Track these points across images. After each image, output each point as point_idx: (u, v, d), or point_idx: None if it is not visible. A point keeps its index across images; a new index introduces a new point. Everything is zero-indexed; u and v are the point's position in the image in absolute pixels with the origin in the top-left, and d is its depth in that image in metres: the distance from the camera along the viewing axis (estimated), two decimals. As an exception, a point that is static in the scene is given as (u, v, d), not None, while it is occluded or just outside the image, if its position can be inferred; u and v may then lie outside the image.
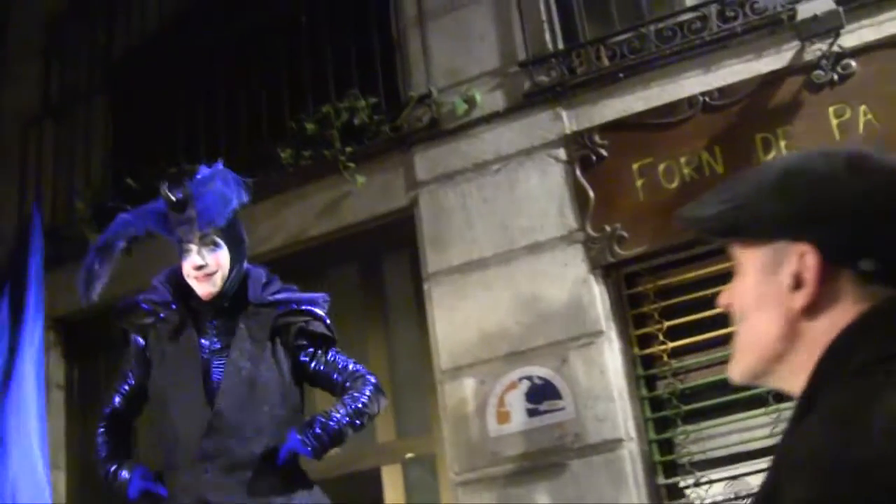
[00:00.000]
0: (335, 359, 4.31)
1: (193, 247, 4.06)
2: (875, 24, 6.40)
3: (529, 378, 6.50)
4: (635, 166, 6.62)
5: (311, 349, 4.28)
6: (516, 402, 6.49)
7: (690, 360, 6.40)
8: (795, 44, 6.47)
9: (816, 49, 6.39)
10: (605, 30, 7.09)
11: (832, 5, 6.30)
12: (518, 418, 6.47)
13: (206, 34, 8.27)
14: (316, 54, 7.74)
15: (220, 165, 4.28)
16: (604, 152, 6.71)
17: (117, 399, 4.34)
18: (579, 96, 6.92)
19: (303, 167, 7.30)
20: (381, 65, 7.54)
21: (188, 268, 4.09)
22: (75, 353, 8.45)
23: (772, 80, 6.50)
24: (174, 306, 4.19)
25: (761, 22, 6.61)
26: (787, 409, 6.06)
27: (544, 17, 7.21)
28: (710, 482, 6.21)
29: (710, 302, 6.30)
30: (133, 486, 4.12)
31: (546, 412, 6.40)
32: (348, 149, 7.23)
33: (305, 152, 7.31)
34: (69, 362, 8.42)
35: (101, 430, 4.37)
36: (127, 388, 4.32)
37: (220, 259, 4.08)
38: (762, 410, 6.15)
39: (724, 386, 6.28)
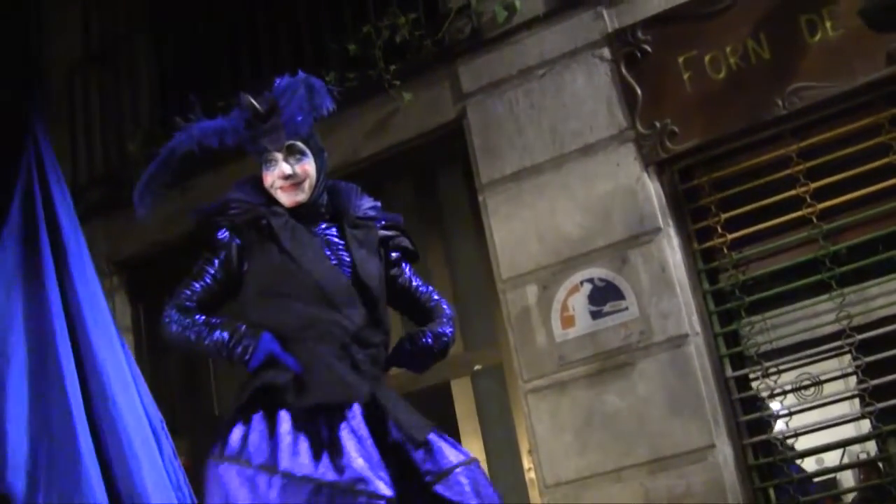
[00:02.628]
0: (413, 277, 4.29)
1: (279, 155, 3.94)
2: None
3: (591, 280, 6.49)
4: (681, 59, 6.54)
5: (401, 264, 4.25)
6: (579, 306, 6.50)
7: (750, 251, 6.35)
8: (834, -78, 6.34)
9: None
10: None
11: None
12: (583, 321, 6.47)
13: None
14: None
15: (302, 74, 4.18)
16: (648, 48, 6.64)
17: (204, 284, 3.96)
18: (620, -7, 6.85)
19: (349, 89, 7.26)
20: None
21: (274, 178, 3.96)
22: (141, 295, 8.53)
23: (813, -39, 6.38)
24: (276, 208, 3.98)
25: None
26: (851, 293, 6.04)
27: (579, -81, 7.10)
28: (779, 372, 6.20)
29: (765, 190, 6.32)
30: (264, 347, 3.75)
31: (610, 313, 6.41)
32: (392, 67, 7.20)
33: (350, 74, 7.28)
34: (135, 305, 8.52)
35: (190, 306, 3.90)
36: (213, 277, 3.97)
37: (307, 168, 3.99)
38: (826, 296, 6.12)
39: (786, 274, 6.28)
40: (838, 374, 6.25)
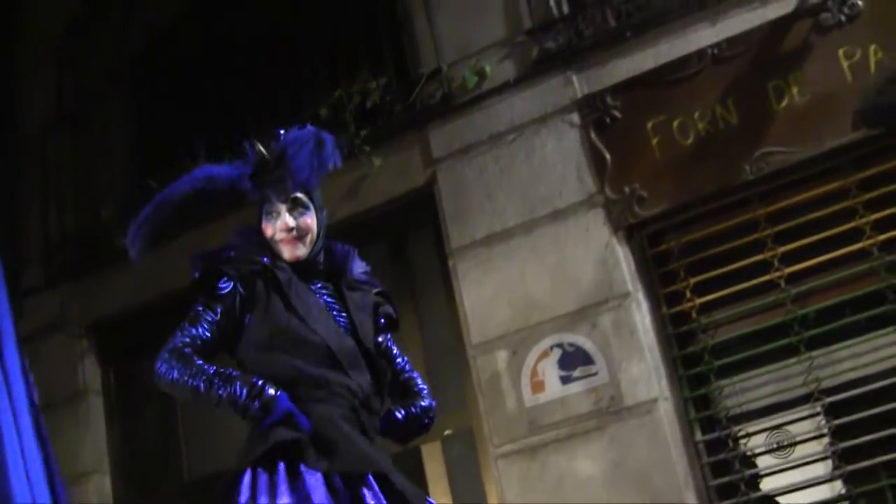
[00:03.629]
0: (393, 346, 4.24)
1: (283, 207, 3.84)
2: (878, -38, 6.35)
3: (560, 345, 6.51)
4: (649, 125, 6.61)
5: (386, 332, 4.20)
6: (550, 370, 6.51)
7: (719, 315, 6.38)
8: (800, -12, 6.43)
9: (821, -8, 6.36)
10: (609, -11, 7.05)
11: (832, -53, 6.27)
12: (553, 386, 6.48)
13: (216, 25, 8.32)
14: (326, 38, 7.76)
15: (312, 127, 4.10)
16: (617, 113, 6.70)
17: (204, 331, 3.79)
18: (588, 59, 6.91)
19: (319, 153, 7.29)
20: (389, 44, 7.54)
21: (276, 229, 3.86)
22: (111, 358, 8.48)
23: (779, 26, 6.46)
24: (279, 262, 3.88)
25: (765, -32, 6.57)
26: (819, 356, 6.06)
27: (547, -19, 7.19)
28: (748, 435, 6.20)
29: (734, 254, 6.36)
30: (282, 404, 3.62)
31: (580, 378, 6.42)
32: (363, 132, 7.24)
33: (320, 138, 7.30)
34: (105, 368, 8.46)
35: (188, 353, 3.74)
36: (212, 325, 3.80)
37: (309, 222, 3.90)
38: (795, 359, 6.14)
39: (755, 337, 6.29)
40: (809, 436, 6.26)
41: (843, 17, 6.31)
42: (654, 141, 6.58)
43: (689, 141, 6.51)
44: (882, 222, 6.10)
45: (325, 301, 3.90)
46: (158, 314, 8.05)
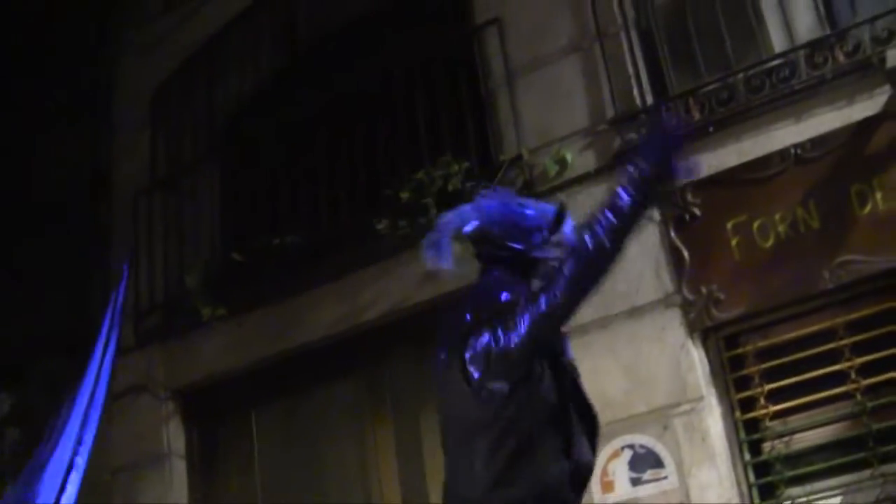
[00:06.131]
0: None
1: None
2: (970, 63, 6.23)
3: (632, 446, 6.48)
4: (729, 225, 6.54)
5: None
6: (620, 471, 6.48)
7: (794, 423, 6.30)
8: (887, 88, 6.33)
9: (910, 93, 6.25)
10: (694, 81, 6.99)
11: (923, 49, 6.17)
12: (622, 487, 6.46)
13: (304, 103, 8.40)
14: (409, 120, 7.79)
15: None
16: (697, 211, 6.64)
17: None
18: (671, 152, 6.84)
19: (401, 236, 7.33)
20: (472, 127, 7.56)
21: None
22: (195, 422, 8.62)
23: (865, 128, 6.36)
24: None
25: (851, 66, 6.48)
26: (893, 473, 5.96)
27: (631, 72, 7.16)
28: (818, 546, 6.13)
29: (811, 361, 6.26)
30: None
31: (650, 481, 6.39)
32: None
33: (402, 221, 7.34)
34: (189, 431, 8.59)
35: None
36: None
37: None
38: (868, 473, 6.04)
39: (828, 448, 6.21)
40: (880, 551, 6.17)
41: (931, 121, 6.21)
42: (734, 241, 6.51)
43: (769, 243, 6.43)
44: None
45: None
46: (241, 381, 8.24)
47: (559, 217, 3.72)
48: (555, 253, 3.59)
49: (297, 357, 7.97)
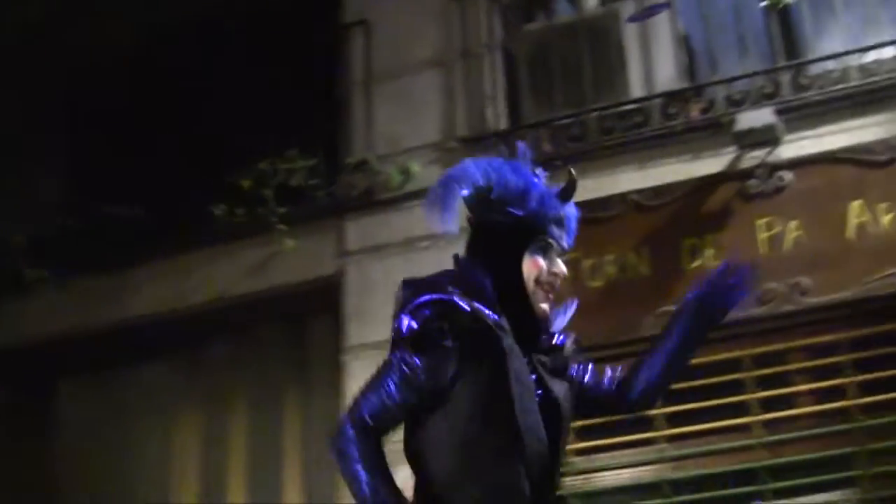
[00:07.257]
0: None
1: (556, 252, 3.19)
2: (815, 137, 6.38)
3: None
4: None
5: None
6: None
7: (598, 462, 6.36)
8: (733, 149, 6.43)
9: (753, 157, 6.37)
10: (549, 113, 7.01)
11: (771, 118, 6.28)
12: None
13: (152, 79, 8.24)
14: (263, 110, 7.70)
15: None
16: (529, 242, 6.63)
17: (394, 404, 2.98)
18: (515, 179, 6.85)
19: (235, 224, 7.23)
20: (323, 126, 7.48)
21: (547, 273, 3.14)
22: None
23: (706, 185, 6.47)
24: (502, 322, 3.02)
25: (703, 123, 6.58)
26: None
27: (489, 93, 7.16)
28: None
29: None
30: None
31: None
32: (281, 209, 7.16)
33: (239, 209, 7.23)
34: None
35: (370, 426, 2.93)
36: (408, 397, 2.97)
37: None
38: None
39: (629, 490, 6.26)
40: None
41: (769, 188, 6.31)
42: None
43: (598, 284, 6.47)
44: (769, 401, 6.13)
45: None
46: (55, 346, 8.00)
47: (568, 188, 3.35)
48: (556, 232, 3.22)
49: (113, 331, 7.74)
